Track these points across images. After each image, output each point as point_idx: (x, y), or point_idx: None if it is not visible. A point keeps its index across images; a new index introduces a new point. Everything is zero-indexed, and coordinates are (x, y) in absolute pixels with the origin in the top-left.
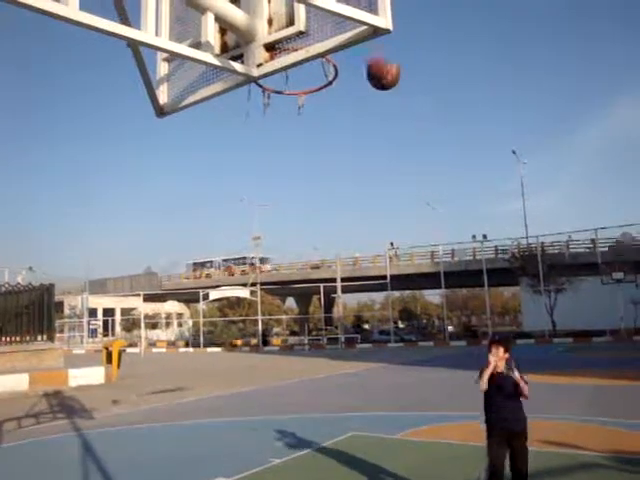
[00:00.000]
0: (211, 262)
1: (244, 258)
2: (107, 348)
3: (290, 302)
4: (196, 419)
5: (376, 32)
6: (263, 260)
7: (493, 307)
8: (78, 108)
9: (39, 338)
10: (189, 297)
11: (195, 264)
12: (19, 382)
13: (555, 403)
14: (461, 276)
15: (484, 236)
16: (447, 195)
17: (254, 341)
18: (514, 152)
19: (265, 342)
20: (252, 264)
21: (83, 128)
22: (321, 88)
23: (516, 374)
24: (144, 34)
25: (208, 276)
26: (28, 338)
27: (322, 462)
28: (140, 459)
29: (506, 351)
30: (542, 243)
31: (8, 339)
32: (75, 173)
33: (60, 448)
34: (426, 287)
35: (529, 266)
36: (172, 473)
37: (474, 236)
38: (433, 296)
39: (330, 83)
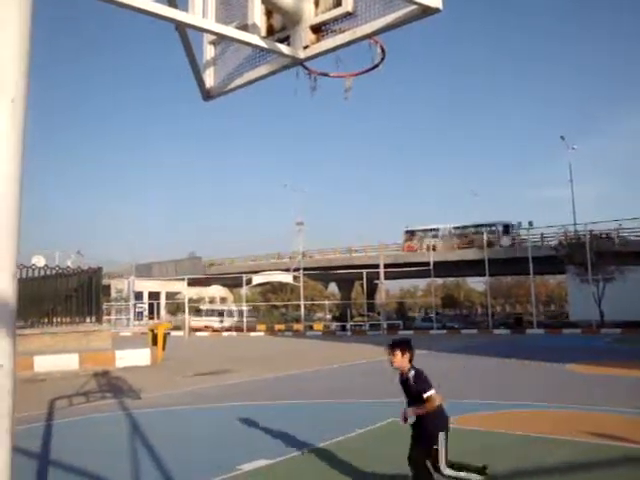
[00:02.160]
0: (436, 230)
1: (492, 225)
2: (153, 330)
3: (332, 288)
4: (240, 401)
5: (425, 12)
6: (516, 227)
7: (538, 296)
8: (121, 89)
9: (88, 320)
10: (233, 282)
11: (409, 232)
12: (70, 361)
13: (600, 394)
14: (506, 264)
15: (530, 223)
16: (493, 182)
17: (297, 326)
18: (562, 138)
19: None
20: (507, 231)
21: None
22: (368, 70)
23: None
24: (192, 16)
25: (431, 248)
26: (77, 320)
27: (362, 447)
28: (184, 439)
29: (404, 353)
30: (590, 230)
31: (59, 320)
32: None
33: (109, 426)
34: (470, 274)
35: (576, 254)
36: (216, 454)
37: (520, 223)
38: (477, 283)
39: (377, 65)
